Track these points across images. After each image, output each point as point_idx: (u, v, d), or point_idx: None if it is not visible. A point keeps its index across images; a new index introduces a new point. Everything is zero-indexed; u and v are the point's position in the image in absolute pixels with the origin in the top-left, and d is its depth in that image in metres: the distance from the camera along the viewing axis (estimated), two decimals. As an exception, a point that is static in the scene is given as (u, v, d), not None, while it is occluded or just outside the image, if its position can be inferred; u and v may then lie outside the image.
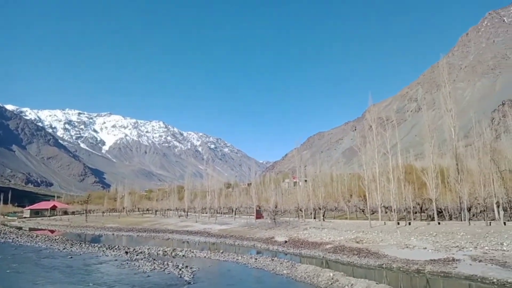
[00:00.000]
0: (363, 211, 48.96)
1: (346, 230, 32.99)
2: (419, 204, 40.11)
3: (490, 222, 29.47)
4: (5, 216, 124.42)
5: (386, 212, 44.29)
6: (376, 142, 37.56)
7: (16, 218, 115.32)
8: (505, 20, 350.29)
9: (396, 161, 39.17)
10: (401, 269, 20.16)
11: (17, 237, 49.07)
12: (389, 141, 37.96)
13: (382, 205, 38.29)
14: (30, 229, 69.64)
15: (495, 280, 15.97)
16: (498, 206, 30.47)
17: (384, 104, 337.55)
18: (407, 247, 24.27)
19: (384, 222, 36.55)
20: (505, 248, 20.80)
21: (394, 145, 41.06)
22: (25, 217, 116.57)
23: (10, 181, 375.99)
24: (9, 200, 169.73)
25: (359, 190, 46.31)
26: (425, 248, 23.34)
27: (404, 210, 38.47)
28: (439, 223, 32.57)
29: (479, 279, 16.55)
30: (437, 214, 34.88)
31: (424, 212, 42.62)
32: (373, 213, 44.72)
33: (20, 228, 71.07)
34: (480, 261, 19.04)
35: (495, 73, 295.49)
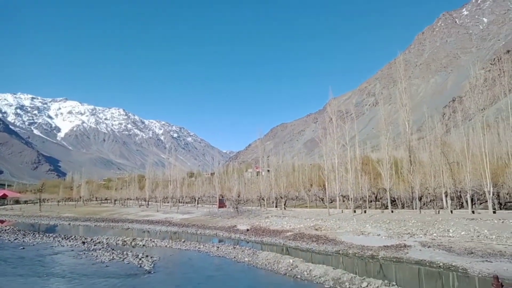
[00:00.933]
0: (322, 200, 50.68)
1: (306, 218, 34.05)
2: (374, 193, 42.18)
3: (439, 211, 31.66)
4: None
5: (343, 201, 46.15)
6: (335, 134, 38.87)
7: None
8: (457, 22, 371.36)
9: (354, 152, 40.77)
10: (356, 254, 21.23)
11: (-39, 229, 45.74)
12: (348, 133, 39.40)
13: (340, 194, 39.89)
14: (-24, 220, 65.07)
15: (441, 264, 17.31)
16: (446, 196, 32.81)
17: (344, 98, 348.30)
18: (362, 234, 25.58)
19: (342, 210, 38.12)
20: (451, 235, 22.55)
21: (353, 137, 42.68)
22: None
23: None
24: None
25: (319, 179, 47.79)
26: (379, 235, 24.73)
27: (361, 199, 40.30)
28: (392, 211, 34.55)
29: (427, 263, 17.84)
30: (391, 203, 36.95)
31: (379, 201, 44.91)
32: (331, 202, 46.49)
33: (-36, 219, 66.18)
34: (429, 246, 20.51)
35: (447, 71, 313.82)
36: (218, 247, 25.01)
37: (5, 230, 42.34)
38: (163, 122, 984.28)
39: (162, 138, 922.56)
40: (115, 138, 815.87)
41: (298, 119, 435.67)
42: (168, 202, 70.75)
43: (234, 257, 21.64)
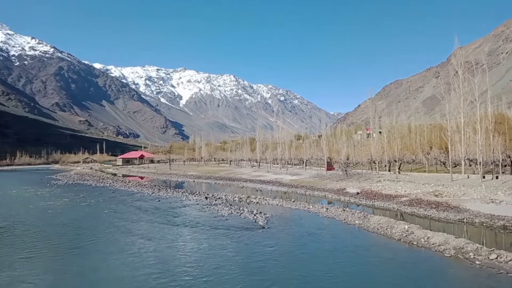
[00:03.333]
0: (444, 164, 45.88)
1: (424, 183, 31.54)
2: (509, 157, 36.20)
3: None
4: (102, 164, 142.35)
5: (470, 165, 40.98)
6: (462, 90, 33.99)
7: (111, 165, 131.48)
8: None
9: (485, 109, 35.20)
10: (484, 224, 19.01)
11: (113, 182, 56.34)
12: (477, 87, 33.93)
13: (466, 157, 35.43)
14: (123, 176, 79.05)
15: None
16: None
17: (474, 46, 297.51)
18: (492, 202, 22.56)
19: (468, 176, 34.00)
20: None
21: (484, 92, 36.69)
22: (118, 165, 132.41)
23: (103, 133, 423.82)
24: (104, 149, 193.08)
25: (440, 141, 43.11)
26: (515, 204, 21.48)
27: (492, 163, 35.14)
28: (534, 178, 29.31)
29: None
30: (533, 169, 31.28)
31: (517, 166, 38.45)
32: (455, 166, 41.74)
33: (114, 175, 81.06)
34: None
35: None
36: (327, 209, 25.30)
37: (145, 185, 50.57)
38: (270, 86, 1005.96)
39: (269, 101, 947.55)
40: (228, 103, 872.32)
41: (416, 75, 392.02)
42: (277, 164, 73.70)
43: (344, 219, 21.65)
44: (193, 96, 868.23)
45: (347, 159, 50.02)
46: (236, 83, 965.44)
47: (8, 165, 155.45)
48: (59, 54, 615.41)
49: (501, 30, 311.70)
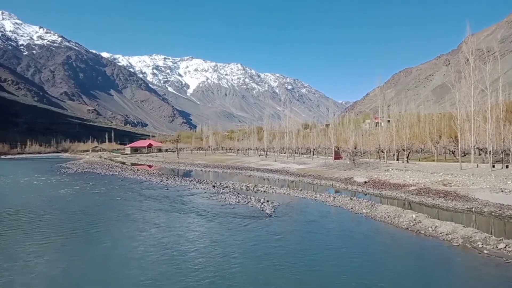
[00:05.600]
0: (453, 153, 45.40)
1: (433, 172, 31.29)
2: (521, 146, 35.65)
3: None
4: (111, 152, 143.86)
5: (479, 155, 40.50)
6: (473, 78, 33.28)
7: (119, 154, 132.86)
8: None
9: (496, 98, 34.55)
10: (493, 213, 18.87)
11: (122, 171, 56.96)
12: (489, 75, 33.18)
13: (475, 146, 34.98)
14: (132, 164, 79.87)
15: None
16: None
17: (486, 33, 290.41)
18: (502, 191, 22.33)
19: (477, 165, 33.64)
20: None
21: (495, 80, 35.92)
22: (126, 154, 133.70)
23: (111, 122, 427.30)
24: (113, 138, 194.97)
25: (449, 130, 42.59)
26: (525, 193, 21.24)
27: (502, 153, 34.67)
28: (546, 168, 28.91)
29: None
30: (545, 158, 30.81)
31: (528, 155, 37.90)
32: (464, 155, 41.24)
33: (123, 163, 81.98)
34: None
35: None
36: (334, 197, 25.31)
37: (153, 174, 51.04)
38: (277, 75, 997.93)
39: (277, 90, 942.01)
40: (235, 92, 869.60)
41: (426, 62, 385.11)
42: (284, 153, 73.64)
43: (351, 208, 21.66)
44: (200, 85, 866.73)
45: (355, 148, 49.77)
46: (244, 72, 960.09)
47: (19, 153, 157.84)
48: (67, 43, 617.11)
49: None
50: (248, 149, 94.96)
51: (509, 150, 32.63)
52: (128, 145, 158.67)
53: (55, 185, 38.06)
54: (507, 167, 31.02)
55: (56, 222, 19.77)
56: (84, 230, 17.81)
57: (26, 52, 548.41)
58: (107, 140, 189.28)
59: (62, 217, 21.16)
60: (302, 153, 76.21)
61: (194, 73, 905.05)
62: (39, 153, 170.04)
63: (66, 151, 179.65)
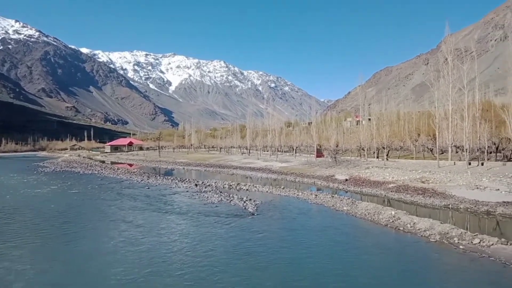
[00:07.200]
0: (431, 150, 46.56)
1: (411, 170, 32.03)
2: (495, 144, 36.90)
3: None
4: (90, 151, 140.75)
5: (456, 152, 41.67)
6: (451, 77, 34.24)
7: (99, 153, 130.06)
8: None
9: (473, 97, 35.63)
10: (468, 210, 19.46)
11: (102, 170, 55.77)
12: (466, 75, 34.19)
13: (453, 144, 35.99)
14: (112, 163, 78.31)
15: None
16: None
17: (464, 33, 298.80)
18: (477, 188, 23.07)
19: (454, 162, 34.62)
20: None
21: (472, 79, 37.02)
22: (106, 152, 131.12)
23: (91, 119, 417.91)
24: (92, 136, 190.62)
25: (428, 128, 43.66)
26: (498, 189, 22.01)
27: (478, 150, 35.81)
28: (518, 165, 29.99)
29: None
30: (517, 155, 31.97)
31: (501, 152, 39.28)
32: (442, 153, 42.39)
33: (103, 162, 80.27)
34: None
35: None
36: (316, 195, 25.54)
37: (134, 172, 50.23)
38: (260, 72, 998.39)
39: (260, 88, 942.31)
40: (218, 90, 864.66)
41: (406, 62, 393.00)
42: (267, 151, 73.80)
43: (333, 206, 21.91)
44: (183, 82, 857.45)
45: (337, 146, 50.40)
46: (227, 69, 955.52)
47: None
48: (45, 38, 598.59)
49: (491, 17, 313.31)
50: (231, 147, 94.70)
51: (485, 148, 33.76)
52: (108, 144, 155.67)
53: (32, 185, 36.92)
54: (482, 164, 32.04)
55: (33, 222, 19.17)
56: (62, 230, 17.35)
57: (1, 47, 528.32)
58: (86, 138, 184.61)
59: (39, 217, 20.53)
60: (284, 151, 76.59)
61: (176, 70, 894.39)
62: (15, 151, 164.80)
63: (43, 149, 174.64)
